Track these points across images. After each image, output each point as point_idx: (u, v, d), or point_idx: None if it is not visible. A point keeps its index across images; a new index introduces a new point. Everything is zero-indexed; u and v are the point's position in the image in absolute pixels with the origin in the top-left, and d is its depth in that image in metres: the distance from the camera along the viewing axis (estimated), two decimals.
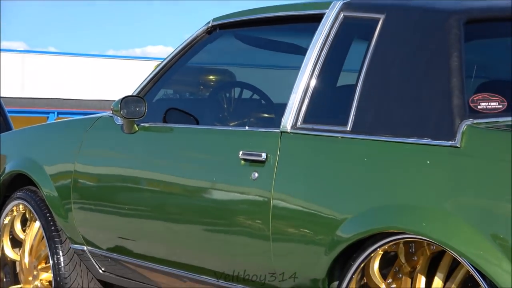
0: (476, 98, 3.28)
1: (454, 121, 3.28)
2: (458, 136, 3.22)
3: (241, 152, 3.84)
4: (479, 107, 3.26)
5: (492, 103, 3.30)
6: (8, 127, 7.63)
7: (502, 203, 3.08)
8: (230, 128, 4.26)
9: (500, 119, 3.27)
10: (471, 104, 3.27)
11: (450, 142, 3.23)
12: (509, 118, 3.30)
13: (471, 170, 3.22)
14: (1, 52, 24.06)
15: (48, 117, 22.41)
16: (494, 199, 3.13)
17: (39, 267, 5.07)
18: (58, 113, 25.32)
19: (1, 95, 9.10)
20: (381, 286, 3.37)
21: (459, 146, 3.19)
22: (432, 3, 3.71)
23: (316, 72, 3.79)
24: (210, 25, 4.46)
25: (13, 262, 5.25)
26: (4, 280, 5.25)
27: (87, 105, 26.44)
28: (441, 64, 3.52)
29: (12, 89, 27.45)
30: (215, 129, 4.33)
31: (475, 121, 3.23)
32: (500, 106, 3.29)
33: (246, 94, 4.44)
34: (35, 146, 5.19)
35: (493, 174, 3.17)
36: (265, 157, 3.76)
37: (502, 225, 3.04)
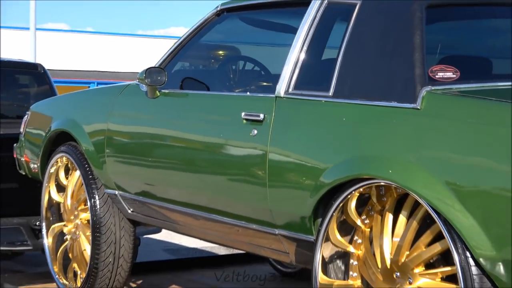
0: (435, 69, 3.32)
1: (416, 88, 3.31)
2: (419, 100, 3.26)
3: (243, 113, 3.87)
4: (436, 76, 3.31)
5: (448, 73, 3.31)
6: (53, 94, 7.57)
7: (454, 154, 3.13)
8: (235, 94, 4.31)
9: (454, 86, 3.30)
10: (430, 74, 3.30)
11: (412, 105, 3.28)
12: (461, 85, 3.33)
13: (429, 128, 3.25)
14: (49, 31, 23.88)
15: (89, 87, 22.60)
16: (448, 151, 3.16)
17: (79, 208, 5.20)
18: (97, 83, 25.34)
19: (48, 68, 8.95)
20: (356, 222, 3.42)
21: (419, 108, 3.24)
22: None
23: (304, 48, 3.81)
24: (218, 9, 4.48)
25: (58, 203, 5.35)
26: (51, 218, 5.40)
27: (120, 76, 26.49)
28: (405, 41, 3.55)
29: (59, 63, 27.75)
30: (222, 94, 4.39)
31: (433, 88, 3.28)
32: (454, 76, 3.33)
33: (248, 66, 4.57)
34: (75, 109, 5.25)
35: (447, 130, 3.20)
36: (262, 117, 3.78)
37: (454, 173, 3.07)
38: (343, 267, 3.46)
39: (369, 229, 3.39)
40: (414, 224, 3.21)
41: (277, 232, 3.73)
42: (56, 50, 30.36)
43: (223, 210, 4.07)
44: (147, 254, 5.48)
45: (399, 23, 3.53)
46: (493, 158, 3.03)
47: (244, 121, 3.84)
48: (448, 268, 3.05)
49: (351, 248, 3.45)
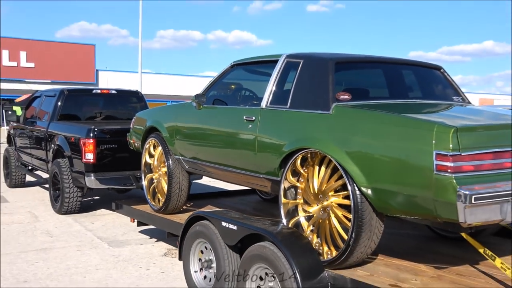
0: (338, 94, 3.55)
1: (330, 103, 3.48)
2: (331, 109, 3.44)
3: (244, 117, 4.13)
4: (339, 98, 3.51)
5: (345, 96, 3.53)
6: (146, 107, 8.28)
7: (348, 135, 3.25)
8: (240, 107, 4.37)
9: (348, 103, 3.48)
10: (336, 97, 3.51)
11: (328, 112, 3.45)
12: (351, 102, 3.48)
13: (336, 123, 3.40)
14: (142, 73, 27.00)
15: (166, 103, 22.20)
16: (345, 134, 3.27)
17: (161, 165, 5.29)
18: (171, 101, 25.45)
19: (144, 93, 9.57)
20: (300, 170, 3.62)
21: (331, 113, 3.43)
22: (323, 54, 3.93)
23: (275, 84, 4.02)
24: (231, 64, 4.71)
25: (150, 164, 5.53)
26: (146, 171, 5.57)
27: (183, 98, 27.50)
28: (324, 80, 3.65)
29: (149, 90, 30.14)
30: (233, 107, 4.50)
31: (337, 103, 3.45)
32: (348, 97, 3.53)
33: (247, 93, 4.70)
34: (159, 115, 5.49)
35: (344, 123, 3.34)
36: (254, 118, 4.03)
37: (348, 145, 3.19)
38: (294, 193, 3.71)
39: (306, 174, 3.63)
40: (328, 171, 3.42)
41: (261, 176, 4.00)
42: (148, 83, 33.83)
43: (234, 165, 4.29)
44: (194, 189, 5.72)
45: (321, 71, 3.72)
46: (362, 135, 3.18)
47: (245, 120, 4.09)
48: (345, 192, 3.26)
49: (298, 184, 3.68)
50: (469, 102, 4.06)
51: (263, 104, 3.93)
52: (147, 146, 5.43)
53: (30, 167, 9.40)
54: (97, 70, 40.49)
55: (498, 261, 3.07)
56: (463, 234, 3.30)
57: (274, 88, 3.91)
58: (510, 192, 2.67)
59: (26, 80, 37.68)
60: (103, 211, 7.63)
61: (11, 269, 4.85)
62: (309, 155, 3.51)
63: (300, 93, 3.71)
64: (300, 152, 3.51)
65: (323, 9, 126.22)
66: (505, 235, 4.06)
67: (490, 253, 3.13)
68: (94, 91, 8.91)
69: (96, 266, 5.02)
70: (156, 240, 6.14)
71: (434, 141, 2.65)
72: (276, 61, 4.02)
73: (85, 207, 7.82)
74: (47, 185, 8.97)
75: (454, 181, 2.57)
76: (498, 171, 2.77)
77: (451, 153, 2.59)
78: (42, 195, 8.83)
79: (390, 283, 3.01)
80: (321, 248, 3.35)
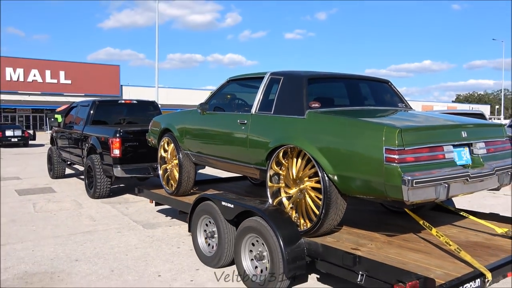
0: (311, 103, 3.51)
1: (304, 110, 3.45)
2: (305, 115, 3.41)
3: (238, 120, 4.06)
4: (312, 106, 3.48)
5: (316, 105, 3.49)
6: (160, 113, 8.13)
7: (318, 135, 3.22)
8: (235, 113, 4.23)
9: (318, 110, 3.45)
10: (309, 105, 3.48)
11: (303, 117, 3.43)
12: (321, 109, 3.45)
13: (308, 124, 3.35)
14: (158, 87, 25.60)
15: (176, 110, 21.92)
16: (316, 134, 3.23)
17: (173, 159, 5.16)
18: (180, 109, 25.54)
19: (159, 103, 9.45)
20: (282, 161, 3.58)
21: (305, 118, 3.40)
22: (299, 72, 3.86)
23: (262, 94, 3.96)
24: (227, 80, 4.66)
25: (164, 157, 5.38)
26: (161, 162, 5.42)
27: (190, 106, 26.85)
28: (300, 92, 3.56)
29: (162, 101, 31.76)
30: (230, 113, 4.37)
31: (310, 110, 3.43)
32: (318, 105, 3.49)
33: (240, 102, 4.56)
34: (171, 119, 5.34)
35: (314, 126, 3.30)
36: (246, 121, 3.96)
37: (319, 142, 3.16)
38: (277, 179, 3.67)
39: (287, 164, 3.58)
40: (304, 162, 3.40)
41: (252, 166, 3.94)
42: (161, 94, 34.08)
43: (231, 158, 4.21)
44: (198, 177, 5.61)
45: (297, 85, 3.70)
46: (329, 135, 3.18)
47: (239, 123, 4.04)
48: (317, 178, 3.25)
49: (280, 172, 3.65)
50: (411, 108, 4.05)
51: (253, 110, 3.89)
52: (162, 143, 5.36)
53: (69, 162, 9.31)
54: (121, 85, 40.52)
55: (434, 230, 3.13)
56: (406, 210, 3.36)
57: (261, 98, 3.87)
58: (442, 177, 2.75)
59: (65, 94, 37.54)
60: (135, 198, 7.37)
61: (64, 249, 4.62)
62: (289, 150, 3.49)
63: (281, 102, 3.67)
64: (282, 148, 3.50)
65: (298, 36, 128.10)
66: (439, 210, 4.09)
67: (428, 224, 3.19)
68: (119, 101, 8.82)
69: (135, 245, 4.76)
70: (170, 218, 6.04)
71: (383, 139, 2.69)
72: (262, 77, 3.98)
73: (113, 192, 7.76)
74: (82, 176, 9.05)
75: (400, 170, 2.62)
76: (433, 161, 2.82)
77: (397, 148, 2.64)
78: (83, 186, 8.59)
79: (352, 247, 3.06)
80: (298, 221, 3.36)
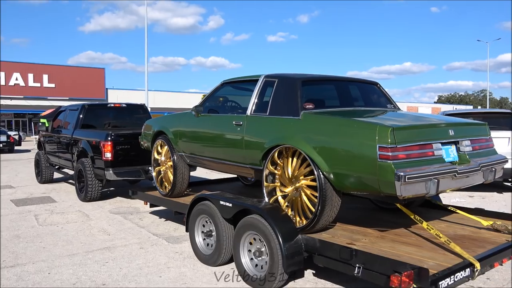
0: (305, 104, 3.54)
1: (299, 111, 3.47)
2: (300, 116, 3.43)
3: (233, 122, 4.08)
4: (306, 107, 3.52)
5: (310, 106, 3.53)
6: (150, 117, 7.90)
7: (313, 135, 3.24)
8: (230, 114, 4.26)
9: (312, 111, 3.48)
10: (303, 106, 3.50)
11: (298, 117, 3.45)
12: (314, 110, 3.48)
13: (303, 125, 3.35)
14: (148, 90, 24.98)
15: (163, 114, 21.59)
16: (311, 134, 3.25)
17: (167, 160, 5.16)
18: (168, 113, 25.46)
19: (148, 106, 9.31)
20: (278, 161, 3.60)
21: (300, 118, 3.42)
22: (293, 75, 3.91)
23: (256, 97, 3.98)
24: (222, 82, 4.68)
25: (158, 159, 5.36)
26: (155, 165, 5.45)
27: (181, 110, 26.71)
28: (295, 94, 3.56)
29: (153, 103, 31.74)
30: (225, 115, 4.38)
31: (305, 111, 3.45)
32: (312, 106, 3.53)
33: (234, 104, 4.61)
34: (164, 122, 5.32)
35: (309, 126, 3.31)
36: (241, 123, 3.98)
37: (314, 141, 3.18)
38: (272, 178, 3.69)
39: (282, 164, 3.61)
40: (299, 161, 3.43)
41: (247, 166, 3.97)
42: (152, 99, 33.42)
43: (226, 159, 4.23)
44: (192, 178, 5.41)
45: (292, 87, 3.73)
46: (324, 134, 3.20)
47: (234, 125, 4.06)
48: (312, 176, 3.29)
49: (276, 171, 3.67)
50: (399, 109, 4.11)
51: (248, 112, 3.91)
52: (155, 146, 5.34)
53: (57, 166, 9.16)
54: (106, 89, 39.86)
55: (424, 224, 3.19)
56: (398, 205, 3.42)
57: (256, 100, 3.89)
58: (432, 173, 2.83)
59: (48, 98, 36.67)
60: (145, 207, 6.56)
61: (85, 271, 3.92)
62: (284, 149, 3.51)
63: (276, 104, 3.69)
64: (277, 148, 3.52)
65: (280, 39, 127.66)
66: (427, 206, 4.17)
67: (419, 218, 3.26)
68: (108, 105, 8.70)
69: (165, 264, 4.08)
70: (164, 219, 5.94)
71: (377, 137, 2.77)
72: (257, 80, 4.00)
73: (103, 196, 7.56)
74: (71, 180, 8.85)
75: (393, 166, 2.70)
76: (423, 158, 2.89)
77: (389, 146, 2.71)
78: None
79: (347, 242, 3.11)
80: (295, 218, 3.39)
